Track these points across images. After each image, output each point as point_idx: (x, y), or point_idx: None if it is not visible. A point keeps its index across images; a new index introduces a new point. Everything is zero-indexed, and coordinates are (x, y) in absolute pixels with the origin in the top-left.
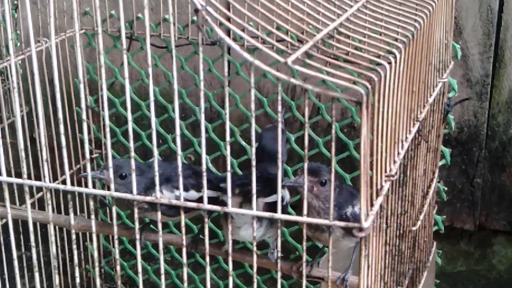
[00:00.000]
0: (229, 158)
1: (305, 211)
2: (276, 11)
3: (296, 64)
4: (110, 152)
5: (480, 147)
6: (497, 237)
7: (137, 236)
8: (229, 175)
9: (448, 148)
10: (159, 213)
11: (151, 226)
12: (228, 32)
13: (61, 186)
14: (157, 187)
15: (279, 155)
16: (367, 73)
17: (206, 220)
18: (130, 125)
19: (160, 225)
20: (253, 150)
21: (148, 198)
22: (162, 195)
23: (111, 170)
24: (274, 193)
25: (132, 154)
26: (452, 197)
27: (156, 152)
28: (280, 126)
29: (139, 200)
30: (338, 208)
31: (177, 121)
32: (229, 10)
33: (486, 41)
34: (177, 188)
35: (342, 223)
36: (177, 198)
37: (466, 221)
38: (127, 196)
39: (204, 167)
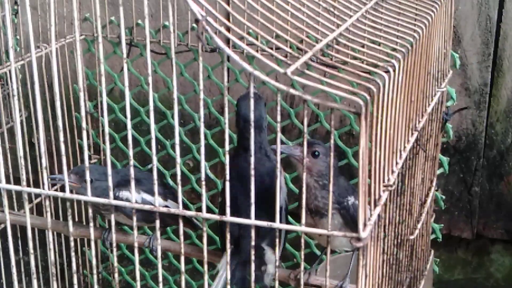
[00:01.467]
0: (227, 167)
1: (303, 220)
2: (275, 21)
3: (296, 74)
4: (109, 158)
5: (478, 156)
6: (495, 246)
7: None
8: (227, 184)
9: (446, 156)
10: (157, 222)
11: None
12: (227, 40)
13: (60, 194)
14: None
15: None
16: (365, 84)
17: (204, 228)
18: (130, 131)
19: (158, 233)
20: (252, 159)
21: (146, 207)
22: (129, 196)
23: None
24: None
25: (132, 162)
26: (450, 205)
27: (155, 158)
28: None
29: (137, 208)
30: (337, 194)
31: (177, 128)
32: (228, 19)
33: (485, 50)
34: (145, 191)
35: (340, 233)
36: (143, 200)
37: (463, 230)
38: (126, 204)
39: (203, 174)
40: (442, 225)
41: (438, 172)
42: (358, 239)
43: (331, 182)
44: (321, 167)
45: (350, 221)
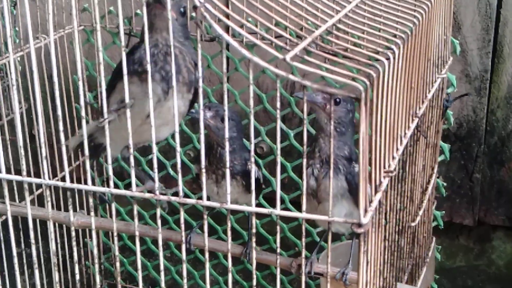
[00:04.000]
0: (227, 155)
1: (304, 207)
2: (275, 8)
3: (295, 60)
4: (108, 147)
5: (479, 143)
6: (496, 232)
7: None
8: (228, 172)
9: (447, 143)
10: (158, 210)
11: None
12: (226, 28)
13: (61, 183)
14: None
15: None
16: (365, 70)
17: (205, 216)
18: (129, 122)
19: (159, 222)
20: (252, 146)
21: (147, 195)
22: None
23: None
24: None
25: (131, 150)
26: (451, 192)
27: (155, 148)
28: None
29: (138, 197)
30: (348, 160)
31: (176, 118)
32: (227, 6)
33: (485, 36)
34: None
35: (341, 219)
36: None
37: (465, 216)
38: (126, 193)
39: (203, 163)
40: (444, 212)
41: (439, 159)
42: (359, 225)
43: (331, 178)
44: (341, 113)
45: (354, 188)
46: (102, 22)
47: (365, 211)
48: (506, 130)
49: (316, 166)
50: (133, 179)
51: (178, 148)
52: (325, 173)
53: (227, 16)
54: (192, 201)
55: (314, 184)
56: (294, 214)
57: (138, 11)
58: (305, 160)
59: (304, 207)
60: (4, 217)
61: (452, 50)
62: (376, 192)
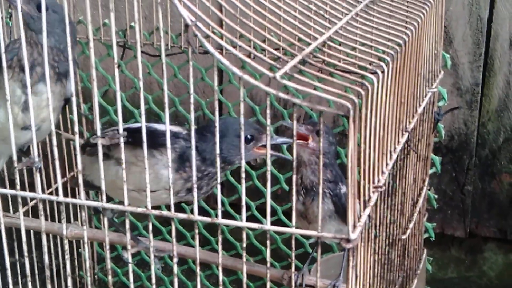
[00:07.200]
0: (219, 169)
1: (293, 221)
2: (267, 26)
3: (286, 78)
4: (101, 159)
5: (471, 155)
6: (488, 244)
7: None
8: (219, 186)
9: (439, 156)
10: (150, 225)
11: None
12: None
13: (54, 197)
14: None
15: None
16: (355, 87)
17: (196, 231)
18: (122, 138)
19: (151, 235)
20: (243, 161)
21: (139, 210)
22: None
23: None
24: None
25: (124, 164)
26: (443, 204)
27: (146, 160)
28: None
29: (130, 211)
30: (332, 181)
31: (168, 131)
32: (221, 25)
33: (476, 50)
34: None
35: (330, 235)
36: None
37: (456, 228)
38: (118, 207)
39: (194, 177)
40: (435, 224)
41: (431, 171)
42: (348, 241)
43: (320, 185)
44: (324, 145)
45: (341, 209)
46: (97, 34)
47: (354, 226)
48: (497, 142)
49: (301, 192)
50: (126, 193)
51: (170, 163)
52: (312, 199)
53: (220, 34)
54: (183, 215)
55: (302, 208)
56: (285, 229)
57: (133, 24)
58: (294, 176)
59: (293, 222)
60: None
61: (443, 64)
62: (365, 207)
